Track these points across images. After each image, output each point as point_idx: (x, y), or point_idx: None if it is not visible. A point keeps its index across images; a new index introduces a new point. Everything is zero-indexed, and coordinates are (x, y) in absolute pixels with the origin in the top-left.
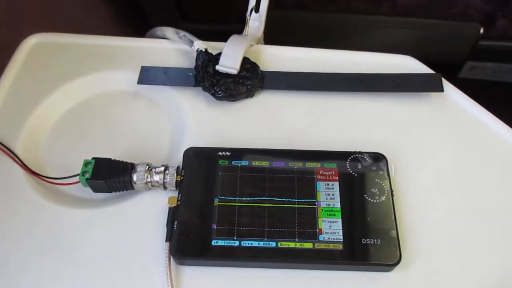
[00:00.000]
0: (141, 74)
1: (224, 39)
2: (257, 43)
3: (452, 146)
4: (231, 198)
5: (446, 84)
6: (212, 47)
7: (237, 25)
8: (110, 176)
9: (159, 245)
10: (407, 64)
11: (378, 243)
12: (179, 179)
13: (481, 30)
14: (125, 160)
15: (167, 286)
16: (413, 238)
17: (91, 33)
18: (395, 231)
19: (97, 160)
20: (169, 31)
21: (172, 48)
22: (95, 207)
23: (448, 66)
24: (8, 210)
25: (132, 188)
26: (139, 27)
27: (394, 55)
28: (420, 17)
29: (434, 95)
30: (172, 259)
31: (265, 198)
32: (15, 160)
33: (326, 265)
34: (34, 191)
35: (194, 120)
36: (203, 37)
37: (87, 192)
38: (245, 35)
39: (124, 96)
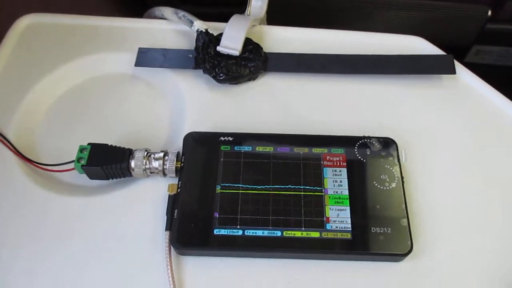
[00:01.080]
0: (138, 56)
1: (224, 21)
2: (260, 24)
3: (465, 130)
4: (233, 185)
5: (457, 65)
6: (213, 27)
7: (237, 8)
8: (106, 163)
9: (158, 234)
10: (416, 45)
11: (389, 232)
12: (179, 166)
13: (489, 13)
14: (122, 146)
15: (167, 277)
16: (424, 226)
17: (85, 13)
18: (406, 220)
19: (93, 146)
20: (168, 11)
21: (171, 28)
22: (91, 194)
23: (455, 50)
24: (0, 197)
25: (130, 175)
26: (136, 7)
27: (403, 36)
28: None
29: (445, 77)
30: (172, 249)
31: (269, 185)
32: (7, 146)
33: (333, 255)
34: (28, 178)
35: (194, 103)
36: (201, 19)
37: (83, 179)
38: (247, 15)
39: (121, 79)
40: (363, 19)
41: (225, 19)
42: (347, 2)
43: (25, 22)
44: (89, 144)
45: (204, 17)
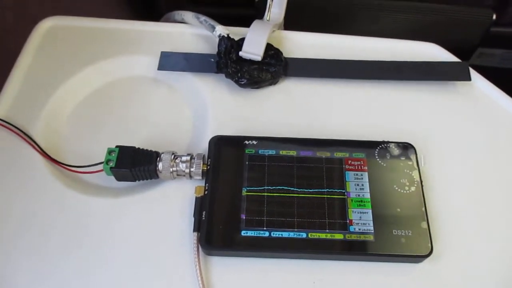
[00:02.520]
0: (161, 59)
1: (230, 23)
2: (278, 29)
3: (480, 135)
4: (259, 188)
5: (473, 72)
6: (234, 32)
7: (244, 9)
8: (135, 165)
9: (186, 235)
10: (431, 52)
11: (409, 234)
12: (205, 168)
13: (494, 16)
14: (148, 148)
15: (196, 277)
16: (443, 229)
17: (91, 16)
18: (426, 222)
19: (121, 148)
20: (188, 15)
21: (192, 32)
22: (119, 196)
23: (459, 52)
24: (29, 199)
25: (157, 177)
26: (146, 10)
27: (418, 42)
28: (432, 2)
29: (460, 84)
30: (200, 249)
31: (294, 188)
32: (35, 148)
33: (356, 256)
34: (56, 179)
35: (217, 107)
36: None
37: (110, 180)
38: (267, 20)
39: (143, 82)
40: (370, 22)
41: (231, 20)
42: (353, 6)
43: (47, 25)
44: (117, 146)
45: (211, 17)
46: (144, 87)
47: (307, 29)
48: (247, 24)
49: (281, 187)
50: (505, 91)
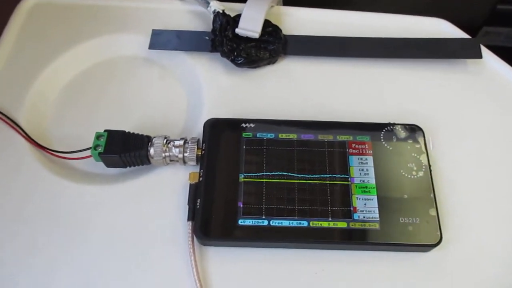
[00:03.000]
0: (152, 38)
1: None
2: (277, 4)
3: (492, 116)
4: (257, 173)
5: (483, 50)
6: (229, 8)
7: None
8: (124, 150)
9: (180, 224)
10: (440, 28)
11: (417, 222)
12: (199, 153)
13: None
14: (139, 132)
15: (191, 268)
16: (453, 216)
17: None
18: (434, 209)
19: (110, 133)
20: None
21: (185, 9)
22: (108, 183)
23: (464, 31)
24: (14, 187)
25: (149, 162)
26: None
27: (426, 18)
28: None
29: (471, 61)
30: (195, 239)
31: (294, 173)
32: (19, 133)
33: (361, 246)
34: (42, 165)
35: (212, 88)
36: None
37: (99, 166)
38: None
39: (134, 62)
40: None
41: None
42: None
43: (31, 3)
44: (105, 130)
45: None
46: (134, 67)
47: (307, 5)
48: None
49: (280, 173)
50: None
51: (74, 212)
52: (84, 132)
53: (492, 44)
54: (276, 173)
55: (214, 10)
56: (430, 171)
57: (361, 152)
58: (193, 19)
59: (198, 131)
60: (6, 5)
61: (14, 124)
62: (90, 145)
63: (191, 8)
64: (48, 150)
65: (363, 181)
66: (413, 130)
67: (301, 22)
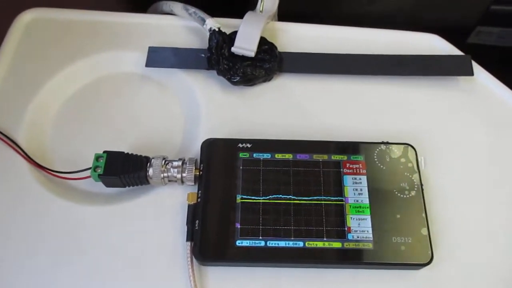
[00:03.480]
0: (149, 55)
1: (223, 11)
2: (272, 20)
3: (484, 134)
4: (254, 194)
5: (475, 66)
6: (225, 24)
7: None
8: (124, 172)
9: (179, 245)
10: (433, 44)
11: (409, 241)
12: (197, 174)
13: None
14: (137, 153)
15: None
16: (444, 234)
17: (79, 8)
18: (426, 229)
19: (109, 154)
20: (177, 6)
21: (181, 25)
22: (108, 203)
23: (458, 30)
24: (13, 207)
25: (148, 183)
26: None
27: (419, 34)
28: None
29: (462, 78)
30: (194, 259)
31: (290, 195)
32: (18, 152)
33: (355, 265)
34: (41, 186)
35: (209, 106)
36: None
37: (98, 186)
38: (260, 11)
39: (131, 79)
40: (366, 2)
41: (224, 7)
42: None
43: (28, 18)
44: (104, 152)
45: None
46: (132, 84)
47: (301, 12)
48: (240, 7)
49: (277, 194)
50: (501, 69)
51: (73, 232)
52: (83, 151)
53: (484, 43)
54: (273, 195)
55: (210, 28)
56: (422, 190)
57: (355, 171)
58: (190, 36)
59: (195, 149)
60: (3, 19)
61: (12, 143)
62: (89, 163)
63: (188, 24)
64: (47, 170)
65: (357, 200)
66: (406, 149)
67: (296, 38)
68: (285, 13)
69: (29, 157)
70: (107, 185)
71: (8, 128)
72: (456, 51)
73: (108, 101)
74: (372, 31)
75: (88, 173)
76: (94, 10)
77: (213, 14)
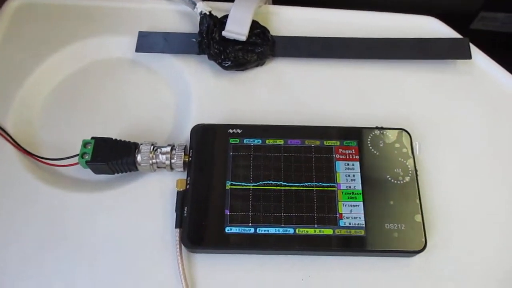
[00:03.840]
0: (138, 40)
1: None
2: (265, 3)
3: (481, 119)
4: (244, 180)
5: (473, 49)
6: (216, 8)
7: None
8: (112, 158)
9: (167, 231)
10: (431, 26)
11: (402, 228)
12: (187, 160)
13: None
14: (126, 139)
15: (178, 275)
16: (438, 221)
17: None
18: (420, 215)
19: (97, 140)
20: None
21: (172, 9)
22: (97, 190)
23: (461, 16)
24: (1, 193)
25: (136, 169)
26: None
27: (416, 16)
28: None
29: (460, 61)
30: (183, 246)
31: (280, 181)
32: (6, 139)
33: (347, 253)
34: (29, 172)
35: (200, 91)
36: None
37: (87, 173)
38: None
39: (121, 65)
40: None
41: None
42: None
43: (16, 4)
44: (92, 138)
45: None
46: (122, 70)
47: (296, 3)
48: None
49: (267, 180)
50: (504, 55)
51: (61, 219)
52: (72, 137)
53: (488, 29)
54: (263, 181)
55: (201, 11)
56: (417, 176)
57: (348, 157)
58: (180, 20)
59: (186, 136)
60: None
61: (1, 130)
62: (78, 150)
63: (178, 8)
64: (35, 157)
65: (350, 187)
66: (400, 134)
67: (289, 21)
68: None
69: (17, 143)
70: (96, 171)
71: None
72: (455, 34)
73: (97, 86)
74: (368, 14)
75: (76, 159)
76: None
77: None
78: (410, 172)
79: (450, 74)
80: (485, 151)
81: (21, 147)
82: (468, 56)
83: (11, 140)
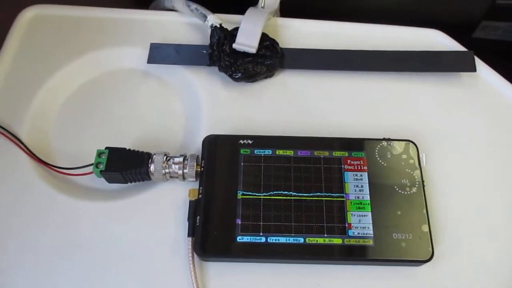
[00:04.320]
0: (151, 52)
1: (227, 7)
2: (274, 16)
3: (487, 131)
4: (255, 190)
5: (478, 62)
6: (227, 20)
7: None
8: (126, 168)
9: (180, 240)
10: (435, 39)
11: (410, 238)
12: (199, 170)
13: None
14: (139, 149)
15: (191, 284)
16: (445, 230)
17: (82, 4)
18: (427, 225)
19: (111, 150)
20: (179, 2)
21: (183, 21)
22: (110, 199)
23: (463, 25)
24: (16, 202)
25: (149, 179)
26: None
27: (421, 29)
28: None
29: (465, 74)
30: (195, 255)
31: (291, 191)
32: (22, 148)
33: (355, 262)
34: (44, 181)
35: (210, 102)
36: (205, 4)
37: (101, 182)
38: (262, 7)
39: (133, 75)
40: None
41: (227, 2)
42: None
43: (30, 14)
44: (106, 148)
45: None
46: (134, 81)
47: (303, 7)
48: (244, 3)
49: (277, 190)
50: (506, 63)
51: (74, 227)
52: (85, 147)
53: (490, 38)
54: (274, 191)
55: (212, 24)
56: (423, 187)
57: (356, 168)
58: (192, 32)
59: (197, 145)
60: (7, 16)
61: (16, 140)
62: (92, 159)
63: (189, 20)
64: (50, 166)
65: (358, 197)
66: (407, 145)
67: (298, 33)
68: (288, 8)
69: (32, 153)
70: (109, 181)
71: (11, 124)
72: (459, 47)
73: (110, 97)
74: (375, 26)
75: (90, 169)
76: (97, 7)
77: (216, 10)
78: (417, 183)
79: (455, 86)
80: (490, 162)
81: (35, 156)
82: (473, 69)
83: (26, 149)
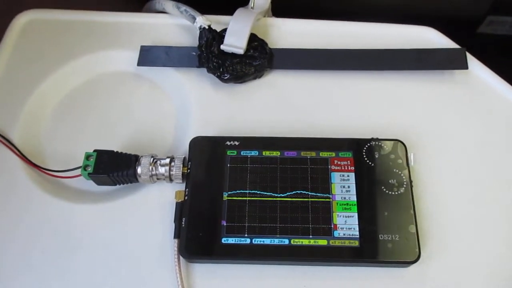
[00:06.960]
0: (141, 54)
1: (219, 8)
2: (264, 16)
3: (478, 130)
4: (240, 192)
5: (470, 59)
6: (217, 21)
7: None
8: (113, 170)
9: (167, 242)
10: (427, 37)
11: (396, 239)
12: (185, 171)
13: None
14: (127, 152)
15: (176, 285)
16: (433, 231)
17: (79, 7)
18: (414, 226)
19: (99, 153)
20: (168, 4)
21: (173, 23)
22: (99, 201)
23: (468, 20)
24: (6, 204)
25: (137, 181)
26: None
27: (413, 27)
28: None
29: (457, 71)
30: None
31: (276, 192)
32: (13, 151)
33: (341, 263)
34: (33, 183)
35: (199, 104)
36: (198, 5)
37: (89, 184)
38: (251, 7)
39: (123, 78)
40: None
41: (221, 3)
42: None
43: (24, 19)
44: (94, 151)
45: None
46: (124, 83)
47: (296, 15)
48: (237, 3)
49: (263, 191)
50: None
51: (63, 229)
52: (76, 150)
53: (497, 33)
54: (259, 192)
55: (200, 26)
56: (411, 187)
57: (343, 168)
58: (182, 34)
59: (186, 147)
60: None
61: (7, 142)
62: (82, 162)
63: (179, 22)
64: (40, 168)
65: (344, 198)
66: (396, 145)
67: (288, 33)
68: (280, 8)
69: (23, 155)
70: (98, 183)
71: (3, 126)
72: (453, 44)
73: (101, 100)
74: (365, 25)
75: (79, 171)
76: (88, 10)
77: (209, 11)
78: (405, 183)
79: (447, 84)
80: (481, 161)
81: (26, 158)
82: (464, 66)
83: (17, 152)
